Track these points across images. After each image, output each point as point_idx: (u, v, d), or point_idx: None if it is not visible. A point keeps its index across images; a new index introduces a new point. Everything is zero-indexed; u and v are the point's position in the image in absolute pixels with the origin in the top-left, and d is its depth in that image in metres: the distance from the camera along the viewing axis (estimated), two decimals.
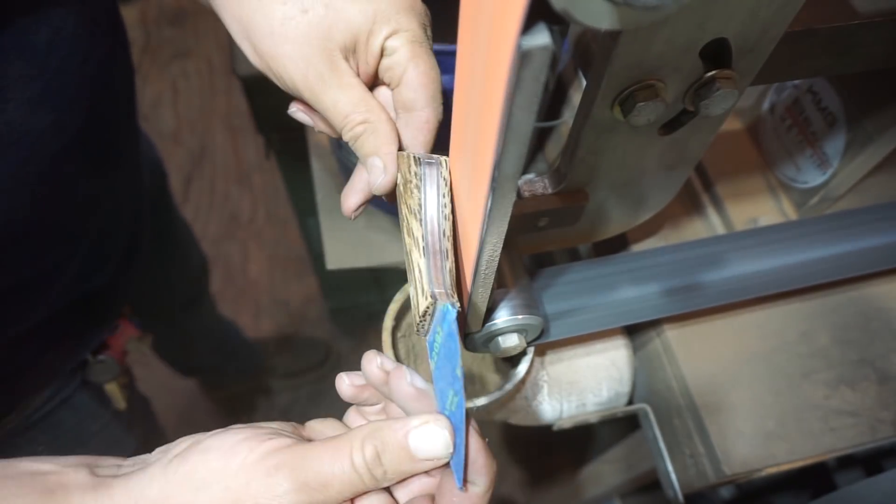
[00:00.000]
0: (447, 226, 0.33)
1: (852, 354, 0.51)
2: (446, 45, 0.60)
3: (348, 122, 0.36)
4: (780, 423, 0.48)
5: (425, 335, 0.32)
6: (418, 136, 0.37)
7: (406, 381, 0.30)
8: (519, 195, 0.40)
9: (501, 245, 0.31)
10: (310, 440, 0.30)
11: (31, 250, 0.46)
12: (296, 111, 0.40)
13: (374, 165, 0.36)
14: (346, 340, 1.49)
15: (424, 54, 0.38)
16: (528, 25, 0.18)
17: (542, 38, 0.19)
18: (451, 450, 0.29)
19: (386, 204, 0.45)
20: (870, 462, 0.60)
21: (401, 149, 0.37)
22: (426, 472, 0.30)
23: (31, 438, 0.59)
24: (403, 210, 0.34)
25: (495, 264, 0.32)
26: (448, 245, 0.33)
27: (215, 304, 1.14)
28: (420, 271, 0.32)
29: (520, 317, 0.40)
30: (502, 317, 0.40)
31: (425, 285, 0.32)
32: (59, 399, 0.60)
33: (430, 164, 0.34)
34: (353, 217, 0.39)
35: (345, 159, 0.64)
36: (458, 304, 0.30)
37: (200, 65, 1.87)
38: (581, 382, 0.53)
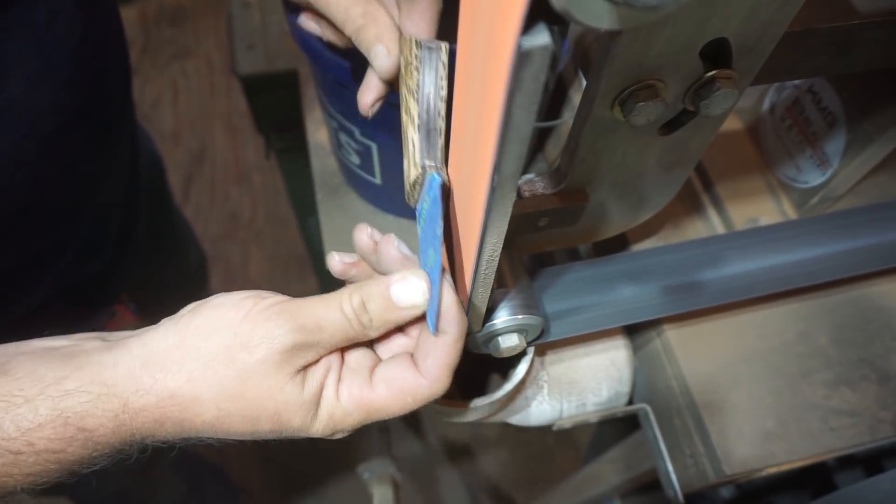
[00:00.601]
0: (442, 107, 0.35)
1: (852, 354, 0.51)
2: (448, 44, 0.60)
3: (350, 15, 0.38)
4: (779, 422, 0.48)
5: (415, 204, 0.34)
6: (419, 23, 0.39)
7: (393, 246, 0.34)
8: (519, 195, 0.40)
9: (501, 245, 0.31)
10: None
11: (28, 230, 0.46)
12: (304, 20, 0.42)
13: (378, 52, 0.38)
14: None
15: None
16: (529, 25, 0.18)
17: (542, 38, 0.19)
18: (427, 296, 0.32)
19: (386, 203, 0.45)
20: (870, 462, 0.60)
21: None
22: (404, 332, 0.35)
23: None
24: (403, 91, 0.36)
25: (495, 264, 0.32)
26: (442, 124, 0.35)
27: None
28: (414, 145, 0.34)
29: (520, 317, 0.40)
30: (502, 317, 0.40)
31: (417, 157, 0.34)
32: None
33: (429, 47, 0.36)
34: (370, 114, 0.41)
35: (345, 159, 0.65)
36: (444, 174, 0.32)
37: (200, 65, 1.87)
38: (581, 382, 0.53)
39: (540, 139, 0.67)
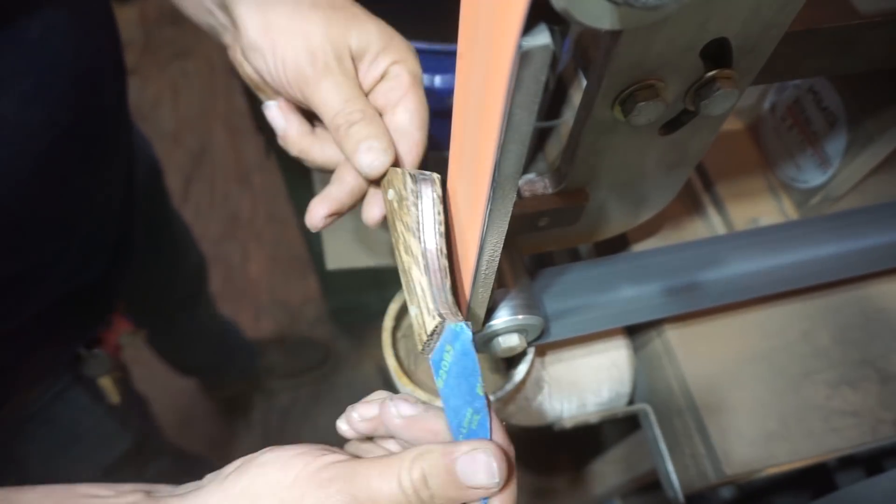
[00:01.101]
0: (443, 243, 0.33)
1: (853, 354, 0.51)
2: (447, 44, 0.60)
3: (346, 108, 0.37)
4: (780, 423, 0.48)
5: (430, 354, 0.32)
6: (409, 155, 0.39)
7: (394, 415, 0.31)
8: (519, 195, 0.40)
9: (501, 245, 0.31)
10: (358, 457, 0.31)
11: (22, 244, 0.46)
12: (271, 107, 0.40)
13: (372, 147, 0.36)
14: (346, 340, 1.49)
15: (421, 88, 0.40)
16: (529, 25, 0.18)
17: (542, 38, 0.19)
18: (497, 479, 0.28)
19: None
20: (871, 462, 0.60)
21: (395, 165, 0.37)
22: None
23: (25, 433, 0.59)
24: (399, 227, 0.34)
25: (495, 264, 0.32)
26: (446, 262, 0.33)
27: (214, 303, 1.14)
28: (423, 289, 0.32)
29: (520, 317, 0.39)
30: (502, 317, 0.40)
31: (430, 304, 0.32)
32: (53, 393, 0.60)
33: (424, 180, 0.35)
34: (318, 228, 0.40)
35: None
36: (470, 323, 0.30)
37: (200, 65, 1.86)
38: (581, 382, 0.53)
39: (540, 139, 0.67)
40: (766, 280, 0.48)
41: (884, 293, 0.54)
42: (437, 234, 0.33)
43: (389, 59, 0.39)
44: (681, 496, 0.50)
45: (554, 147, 0.65)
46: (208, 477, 0.31)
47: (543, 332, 0.43)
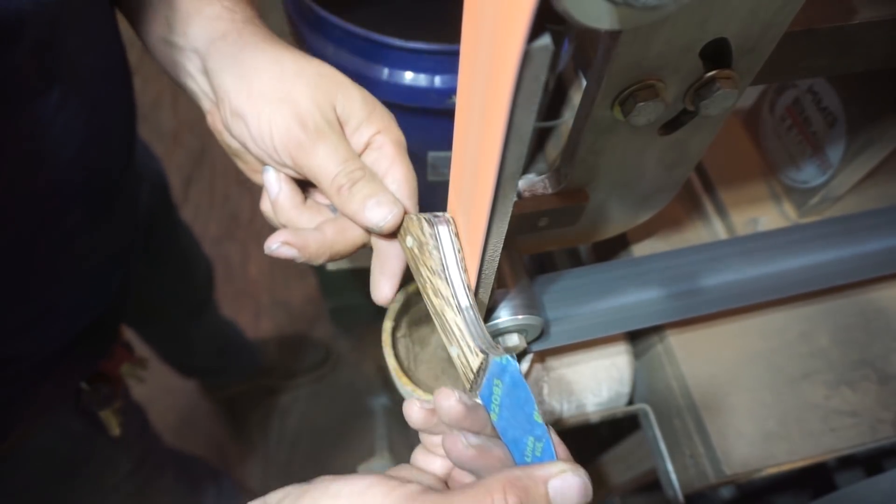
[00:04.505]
0: (467, 279, 0.33)
1: (853, 355, 0.51)
2: (447, 44, 0.60)
3: (346, 168, 0.36)
4: (780, 423, 0.48)
5: (478, 391, 0.32)
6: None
7: (462, 444, 0.30)
8: (519, 195, 0.40)
9: (501, 245, 0.31)
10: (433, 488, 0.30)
11: (25, 300, 0.46)
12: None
13: (381, 201, 0.35)
14: (346, 340, 1.49)
15: (406, 157, 0.39)
16: (535, 29, 0.18)
17: (541, 38, 0.19)
18: (590, 497, 0.28)
19: None
20: (870, 462, 0.60)
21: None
22: None
23: (23, 464, 0.58)
24: (424, 272, 0.34)
25: (495, 264, 0.32)
26: (474, 298, 0.33)
27: (217, 305, 1.14)
28: (460, 329, 0.32)
29: (520, 317, 0.40)
30: (503, 317, 0.40)
31: (470, 342, 0.32)
32: (53, 427, 0.60)
33: (440, 222, 0.34)
34: (268, 251, 0.38)
35: None
36: (515, 355, 0.31)
37: None
38: (581, 382, 0.53)
39: (540, 139, 0.67)
40: (766, 286, 0.48)
41: (883, 294, 0.54)
42: (462, 271, 0.33)
43: (373, 129, 0.38)
44: (680, 496, 0.50)
45: (554, 147, 0.65)
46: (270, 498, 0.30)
47: (543, 333, 0.43)
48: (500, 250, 0.31)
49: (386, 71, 0.62)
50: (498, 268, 0.33)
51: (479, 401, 0.32)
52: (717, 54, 0.30)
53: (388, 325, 0.50)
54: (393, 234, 0.37)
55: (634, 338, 0.55)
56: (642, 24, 0.20)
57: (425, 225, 0.34)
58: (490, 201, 0.26)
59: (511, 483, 0.27)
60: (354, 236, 0.38)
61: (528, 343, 0.43)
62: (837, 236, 0.51)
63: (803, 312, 0.52)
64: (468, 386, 0.32)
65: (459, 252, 0.34)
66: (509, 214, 0.28)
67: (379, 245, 0.38)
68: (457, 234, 0.34)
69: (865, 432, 0.47)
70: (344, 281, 1.22)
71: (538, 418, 0.29)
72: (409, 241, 0.35)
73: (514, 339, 0.41)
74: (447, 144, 0.58)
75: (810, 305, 0.53)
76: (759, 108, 0.60)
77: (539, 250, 0.48)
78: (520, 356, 0.48)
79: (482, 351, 0.31)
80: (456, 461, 0.31)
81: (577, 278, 0.47)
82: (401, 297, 0.50)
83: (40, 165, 0.41)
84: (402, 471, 0.33)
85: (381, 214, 0.35)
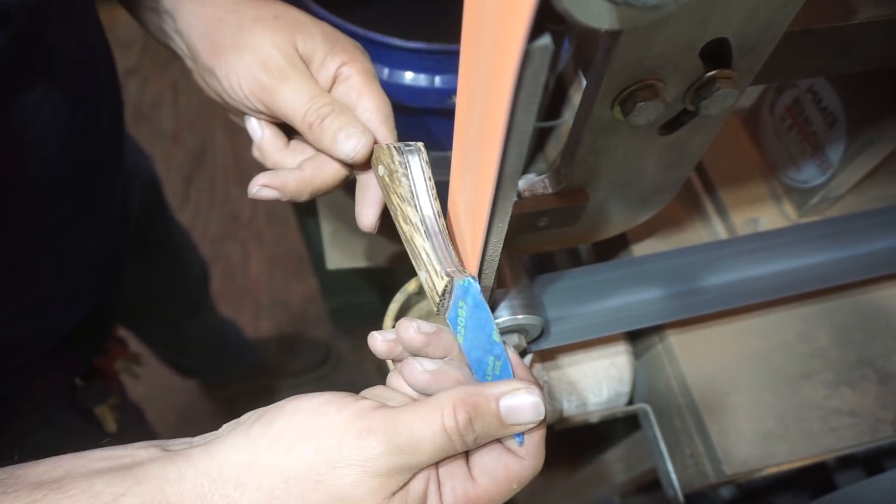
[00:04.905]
0: (438, 206, 0.34)
1: (852, 354, 0.51)
2: (447, 44, 0.60)
3: (314, 104, 0.37)
4: (780, 422, 0.48)
5: (445, 313, 0.33)
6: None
7: (418, 369, 0.31)
8: (519, 195, 0.40)
9: (501, 245, 0.31)
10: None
11: (15, 294, 0.46)
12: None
13: (350, 133, 0.36)
14: (346, 340, 1.49)
15: (376, 84, 0.39)
16: (536, 29, 0.18)
17: (542, 38, 0.19)
18: (543, 415, 0.29)
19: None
20: (870, 462, 0.60)
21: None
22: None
23: (20, 462, 0.58)
24: (395, 200, 0.35)
25: (495, 264, 0.32)
26: (444, 224, 0.34)
27: (215, 304, 1.14)
28: (427, 254, 0.33)
29: (520, 317, 0.40)
30: (502, 317, 0.40)
31: (436, 266, 0.33)
32: (49, 424, 0.60)
33: (410, 151, 0.35)
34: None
35: None
36: (476, 277, 0.31)
37: None
38: (581, 382, 0.53)
39: (540, 139, 0.67)
40: (767, 286, 0.48)
41: (882, 293, 0.54)
42: (432, 199, 0.34)
43: (339, 61, 0.39)
44: (680, 496, 0.50)
45: (554, 147, 0.65)
46: (226, 427, 0.30)
47: (543, 333, 0.43)
48: (500, 250, 0.31)
49: (386, 71, 0.62)
50: (498, 268, 0.33)
51: (446, 324, 0.33)
52: (717, 54, 0.30)
53: (388, 324, 0.50)
54: (368, 165, 0.38)
55: (634, 338, 0.55)
56: (642, 24, 0.20)
57: (395, 153, 0.35)
58: (490, 201, 0.26)
59: (462, 399, 0.28)
60: (333, 170, 0.39)
61: (528, 343, 0.43)
62: (837, 236, 0.51)
63: (803, 312, 0.52)
64: (435, 310, 0.33)
65: (430, 180, 0.35)
66: (509, 214, 0.28)
67: (359, 176, 0.39)
68: (427, 163, 0.35)
69: (865, 432, 0.47)
70: (344, 281, 1.22)
71: (497, 338, 0.30)
72: (381, 169, 0.36)
73: (514, 339, 0.41)
74: (447, 144, 0.58)
75: (810, 305, 0.53)
76: (759, 108, 0.60)
77: (539, 250, 0.48)
78: (519, 356, 0.48)
79: (447, 274, 0.32)
80: (413, 387, 0.32)
81: (577, 278, 0.47)
82: (401, 298, 0.50)
83: (26, 158, 0.41)
84: (375, 390, 0.34)
85: (350, 146, 0.36)
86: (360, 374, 1.46)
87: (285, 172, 0.39)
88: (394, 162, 0.35)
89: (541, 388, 0.30)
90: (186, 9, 0.40)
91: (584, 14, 0.19)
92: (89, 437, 0.65)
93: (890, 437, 0.48)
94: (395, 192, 0.35)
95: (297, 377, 1.42)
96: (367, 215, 0.40)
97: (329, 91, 0.39)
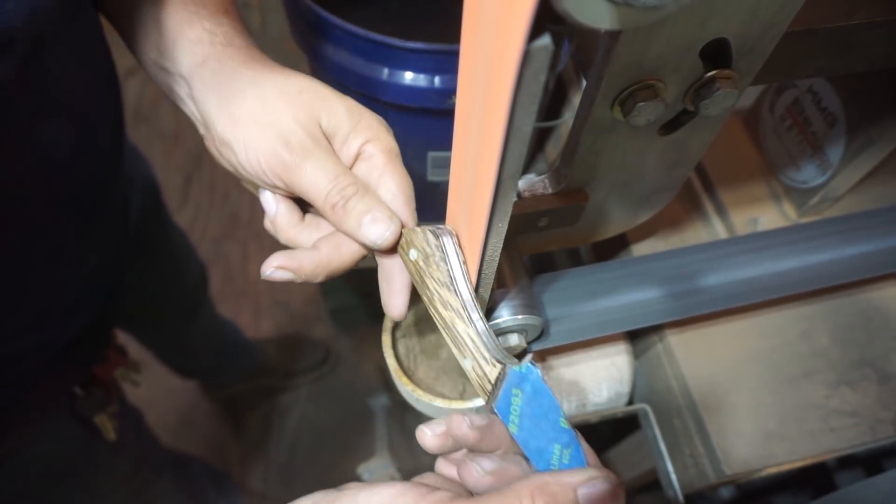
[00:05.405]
0: (473, 291, 0.33)
1: (853, 354, 0.51)
2: (447, 44, 0.60)
3: (337, 184, 0.35)
4: (780, 422, 0.48)
5: (494, 402, 0.31)
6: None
7: (477, 472, 0.30)
8: (519, 195, 0.40)
9: (501, 245, 0.31)
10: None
11: (18, 306, 0.46)
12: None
13: (377, 217, 0.34)
14: (346, 340, 1.49)
15: (399, 164, 0.38)
16: (536, 29, 0.18)
17: (542, 38, 0.19)
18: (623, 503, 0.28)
19: None
20: (870, 462, 0.60)
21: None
22: None
23: (17, 469, 0.58)
24: (431, 284, 0.34)
25: (495, 264, 0.32)
26: (482, 310, 0.33)
27: (214, 305, 1.14)
28: (473, 341, 0.32)
29: (520, 317, 0.40)
30: (502, 317, 0.40)
31: (485, 353, 0.31)
32: (48, 433, 0.59)
33: (443, 234, 0.34)
34: (264, 276, 0.37)
35: None
36: (534, 363, 0.30)
37: None
38: (581, 382, 0.53)
39: (540, 139, 0.67)
40: (767, 286, 0.48)
41: (883, 293, 0.54)
42: (468, 283, 0.33)
43: (362, 139, 0.37)
44: (680, 496, 0.50)
45: (554, 147, 0.65)
46: None
47: (543, 333, 0.43)
48: (500, 250, 0.31)
49: (386, 71, 0.62)
50: (498, 268, 0.33)
51: (495, 413, 0.31)
52: (717, 54, 0.30)
53: (388, 324, 0.50)
54: (393, 249, 0.36)
55: (634, 337, 0.55)
56: (642, 24, 0.20)
57: (430, 237, 0.34)
58: (490, 201, 0.26)
59: (540, 488, 0.27)
60: (351, 252, 0.37)
61: (528, 343, 0.43)
62: (837, 236, 0.51)
63: (803, 312, 0.53)
64: (485, 399, 0.32)
65: (464, 264, 0.33)
66: (509, 214, 0.28)
67: (381, 261, 0.37)
68: (460, 246, 0.33)
69: (865, 432, 0.47)
70: (344, 281, 1.23)
71: (565, 424, 0.29)
72: (413, 253, 0.35)
73: (514, 339, 0.41)
74: (447, 144, 0.58)
75: (810, 305, 0.53)
76: (759, 108, 0.60)
77: (539, 250, 0.48)
78: (519, 356, 0.48)
79: (499, 361, 0.31)
80: (475, 490, 0.31)
81: (577, 278, 0.47)
82: (390, 324, 0.50)
83: (28, 177, 0.40)
84: (428, 478, 0.33)
85: (377, 231, 0.35)
86: (359, 374, 1.46)
87: (301, 253, 0.37)
88: (429, 246, 0.34)
89: (616, 476, 0.29)
90: (203, 77, 0.38)
91: (584, 14, 0.19)
92: (89, 445, 0.65)
93: (890, 438, 0.48)
94: (432, 277, 0.33)
95: (297, 377, 1.42)
96: (397, 305, 0.38)
97: (352, 167, 0.38)
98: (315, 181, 0.35)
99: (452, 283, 0.33)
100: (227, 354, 1.26)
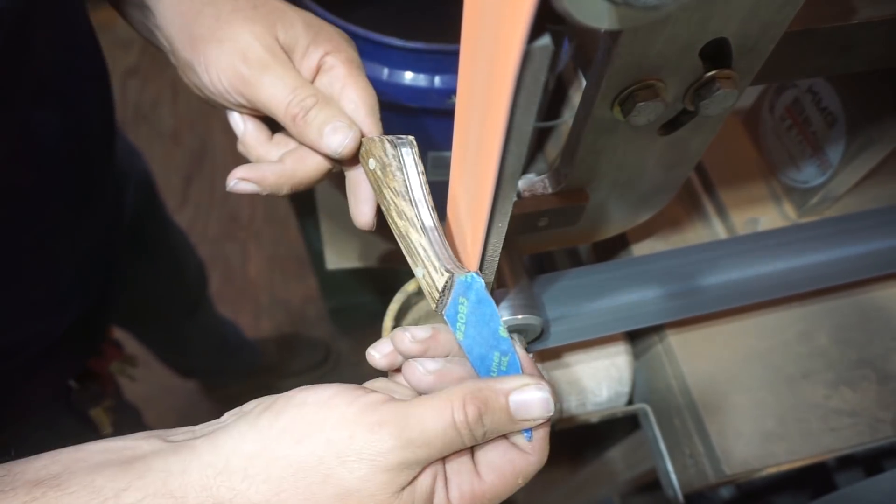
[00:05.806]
0: (431, 201, 0.34)
1: (852, 354, 0.51)
2: (447, 44, 0.60)
3: (297, 96, 0.35)
4: (779, 422, 0.48)
5: (443, 310, 0.32)
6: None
7: (420, 371, 0.31)
8: (519, 195, 0.40)
9: (501, 245, 0.31)
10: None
11: (9, 295, 0.46)
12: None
13: (337, 127, 0.35)
14: (346, 340, 1.49)
15: (361, 74, 0.38)
16: (536, 29, 0.18)
17: (542, 38, 0.19)
18: (552, 411, 0.29)
19: None
20: (870, 462, 0.60)
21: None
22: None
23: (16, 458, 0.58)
24: (387, 194, 0.34)
25: (495, 264, 0.32)
26: (437, 219, 0.33)
27: (214, 305, 1.14)
28: (424, 250, 0.32)
29: (520, 317, 0.40)
30: (502, 317, 0.40)
31: (435, 262, 0.32)
32: (44, 426, 0.59)
33: (403, 144, 0.34)
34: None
35: None
36: (478, 272, 0.31)
37: None
38: (581, 382, 0.53)
39: (540, 139, 0.67)
40: (766, 285, 0.48)
41: (883, 293, 0.54)
42: (426, 194, 0.33)
43: (322, 51, 0.37)
44: (680, 496, 0.50)
45: (554, 147, 0.65)
46: (229, 415, 0.30)
47: (543, 333, 0.43)
48: (500, 250, 0.31)
49: (386, 71, 0.62)
50: (498, 268, 0.33)
51: (445, 321, 0.32)
52: (717, 54, 0.30)
53: (388, 324, 0.50)
54: (354, 159, 0.37)
55: (634, 338, 0.55)
56: (642, 24, 0.20)
57: (388, 146, 0.34)
58: (490, 201, 0.26)
59: (472, 394, 0.28)
60: (315, 163, 0.38)
61: (528, 343, 0.43)
62: (837, 236, 0.51)
63: (803, 312, 0.53)
64: (434, 306, 0.32)
65: (423, 175, 0.34)
66: (509, 214, 0.28)
67: (348, 173, 0.38)
68: (419, 156, 0.34)
69: (865, 432, 0.47)
70: (344, 281, 1.23)
71: (503, 333, 0.30)
72: (372, 163, 0.35)
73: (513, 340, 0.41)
74: (447, 144, 0.58)
75: (810, 305, 0.53)
76: (759, 108, 0.60)
77: (539, 250, 0.48)
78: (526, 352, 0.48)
79: (447, 270, 0.31)
80: (417, 388, 0.32)
81: (577, 278, 0.47)
82: (400, 298, 0.50)
83: (18, 161, 0.40)
84: (377, 383, 0.34)
85: (337, 140, 0.35)
86: (359, 374, 1.46)
87: (264, 165, 0.38)
88: (387, 155, 0.34)
89: (549, 383, 0.30)
90: (164, 3, 0.38)
91: (584, 14, 0.19)
92: (84, 439, 0.65)
93: (890, 437, 0.48)
94: (388, 187, 0.34)
95: (297, 377, 1.42)
96: (363, 213, 0.38)
97: (312, 82, 0.38)
98: (274, 94, 0.36)
99: (408, 192, 0.33)
100: (227, 353, 1.26)
